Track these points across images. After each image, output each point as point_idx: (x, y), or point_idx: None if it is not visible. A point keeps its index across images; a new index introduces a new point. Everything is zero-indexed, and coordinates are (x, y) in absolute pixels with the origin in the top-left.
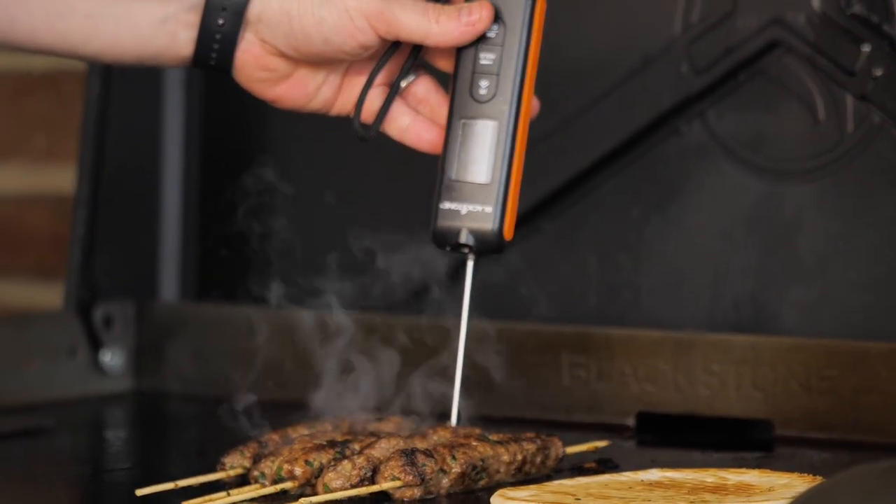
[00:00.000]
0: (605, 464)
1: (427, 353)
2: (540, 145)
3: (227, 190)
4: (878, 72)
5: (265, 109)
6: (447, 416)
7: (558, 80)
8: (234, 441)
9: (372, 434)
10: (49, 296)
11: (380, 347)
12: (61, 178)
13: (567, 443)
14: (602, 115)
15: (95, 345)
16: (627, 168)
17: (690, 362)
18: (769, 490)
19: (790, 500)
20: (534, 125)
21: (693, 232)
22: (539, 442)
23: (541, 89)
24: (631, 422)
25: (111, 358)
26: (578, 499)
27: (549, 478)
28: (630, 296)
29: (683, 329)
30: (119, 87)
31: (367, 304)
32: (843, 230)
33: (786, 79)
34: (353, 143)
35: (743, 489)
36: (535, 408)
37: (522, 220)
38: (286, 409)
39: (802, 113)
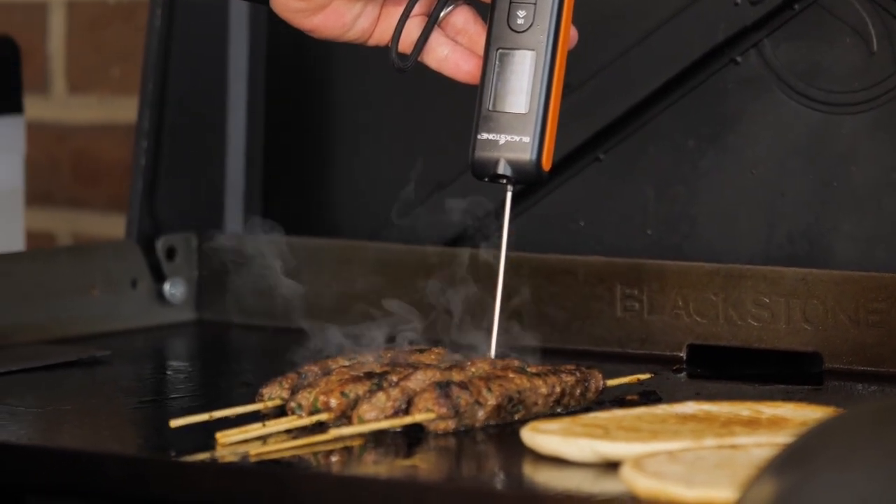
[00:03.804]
0: (647, 396)
1: (484, 286)
2: (597, 77)
3: (292, 122)
4: None
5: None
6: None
7: (614, 11)
8: (281, 372)
9: (411, 366)
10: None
11: (443, 280)
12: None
13: (619, 375)
14: (658, 47)
15: (158, 276)
16: (683, 99)
17: (741, 295)
18: (802, 424)
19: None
20: (591, 57)
21: (748, 163)
22: (578, 374)
23: (597, 21)
24: (683, 354)
25: (173, 289)
26: (608, 431)
27: (588, 410)
28: (686, 227)
29: (737, 261)
30: (183, 16)
31: (432, 238)
32: None
33: (840, 9)
34: (418, 74)
35: (776, 423)
36: (587, 340)
37: (580, 152)
38: (345, 340)
39: (857, 43)
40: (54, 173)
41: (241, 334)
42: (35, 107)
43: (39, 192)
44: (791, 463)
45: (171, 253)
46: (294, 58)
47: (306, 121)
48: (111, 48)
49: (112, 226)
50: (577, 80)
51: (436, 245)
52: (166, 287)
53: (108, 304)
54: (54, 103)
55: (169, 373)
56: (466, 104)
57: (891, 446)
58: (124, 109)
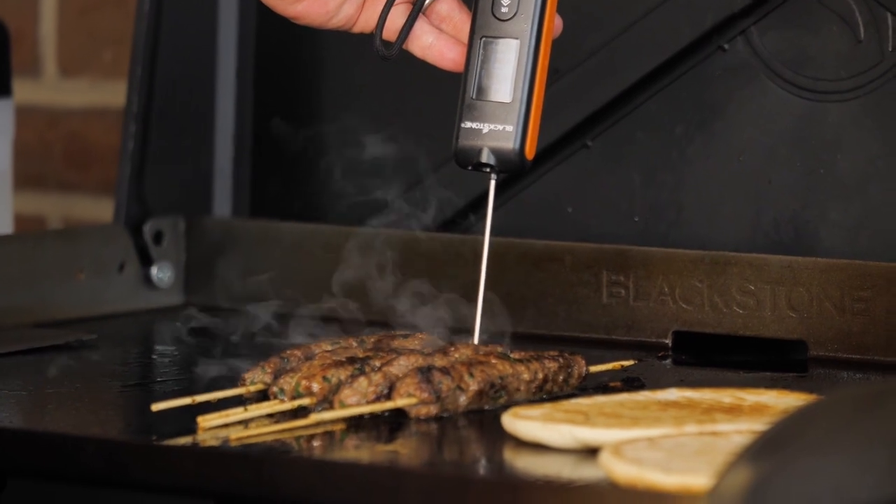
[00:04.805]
0: (631, 383)
1: (472, 272)
2: (585, 63)
3: (280, 106)
4: None
5: None
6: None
7: None
8: (267, 356)
9: (394, 351)
10: None
11: (432, 267)
12: None
13: (605, 362)
14: (646, 33)
15: (145, 260)
16: (671, 86)
17: (727, 282)
18: (784, 411)
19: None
20: (579, 44)
21: (735, 150)
22: (561, 360)
23: (585, 7)
24: (668, 341)
25: (160, 273)
26: (589, 417)
27: (571, 397)
28: (673, 214)
29: (723, 248)
30: (172, 0)
31: (421, 223)
32: (882, 150)
33: None
34: (404, 61)
35: (758, 410)
36: (573, 326)
37: (567, 139)
38: (334, 326)
39: (843, 31)
40: (45, 157)
41: (227, 318)
42: (26, 90)
43: (30, 175)
44: (767, 450)
45: (158, 237)
46: (283, 43)
47: (295, 105)
48: (103, 32)
49: (103, 209)
50: (565, 65)
51: (422, 231)
52: (153, 271)
53: (95, 288)
54: (45, 87)
55: (154, 357)
56: (453, 91)
57: (867, 434)
58: (115, 93)
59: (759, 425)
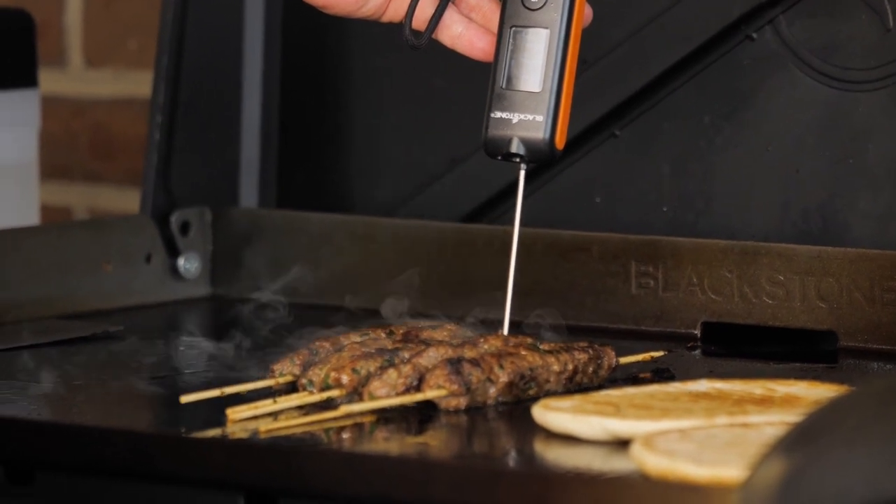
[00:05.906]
0: (661, 374)
1: (499, 262)
2: (613, 53)
3: (307, 96)
4: None
5: None
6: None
7: None
8: (295, 348)
9: (423, 342)
10: None
11: (461, 257)
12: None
13: (634, 353)
14: (674, 23)
15: (172, 250)
16: (699, 75)
17: (756, 272)
18: (815, 403)
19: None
20: (607, 34)
21: (763, 140)
22: (591, 351)
23: None
24: (697, 331)
25: (187, 264)
26: (619, 409)
27: (601, 388)
28: (701, 204)
29: (752, 238)
30: None
31: (448, 214)
32: None
33: None
34: (433, 51)
35: (789, 401)
36: (602, 317)
37: (595, 128)
38: (359, 317)
39: (872, 20)
40: (71, 147)
41: (254, 310)
42: (52, 81)
43: (56, 166)
44: (800, 442)
45: (185, 227)
46: (310, 32)
47: (322, 95)
48: (128, 22)
49: (129, 200)
50: (593, 55)
51: (451, 221)
52: (180, 262)
53: (121, 279)
54: (71, 77)
55: (182, 348)
56: (481, 81)
57: None
58: (141, 83)
59: (790, 417)
